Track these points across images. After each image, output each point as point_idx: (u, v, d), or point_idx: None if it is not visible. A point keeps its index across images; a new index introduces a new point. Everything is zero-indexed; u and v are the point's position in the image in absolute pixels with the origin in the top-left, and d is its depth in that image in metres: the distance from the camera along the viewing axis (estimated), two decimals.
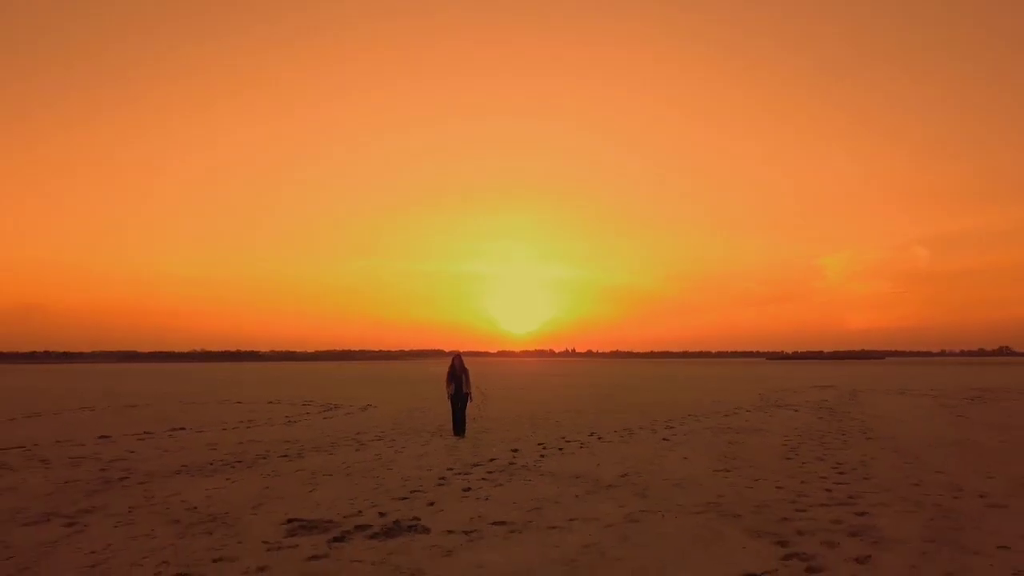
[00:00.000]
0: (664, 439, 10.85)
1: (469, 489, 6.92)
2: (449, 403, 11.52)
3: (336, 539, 5.06)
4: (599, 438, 11.02)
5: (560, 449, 9.79)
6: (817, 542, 4.86)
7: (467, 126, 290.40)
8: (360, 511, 5.95)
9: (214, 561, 4.53)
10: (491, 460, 8.82)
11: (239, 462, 8.84)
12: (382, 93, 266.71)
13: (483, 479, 7.48)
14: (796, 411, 16.22)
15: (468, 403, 11.62)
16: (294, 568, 4.37)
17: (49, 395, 25.35)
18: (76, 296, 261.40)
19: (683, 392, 24.84)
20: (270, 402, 20.58)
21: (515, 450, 9.72)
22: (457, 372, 11.38)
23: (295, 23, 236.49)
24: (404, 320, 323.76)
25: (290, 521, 5.60)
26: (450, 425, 11.62)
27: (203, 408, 18.35)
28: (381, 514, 5.82)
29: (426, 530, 5.30)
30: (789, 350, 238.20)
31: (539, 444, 10.33)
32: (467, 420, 11.70)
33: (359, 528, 5.36)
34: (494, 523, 5.50)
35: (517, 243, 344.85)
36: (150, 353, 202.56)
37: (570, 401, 20.32)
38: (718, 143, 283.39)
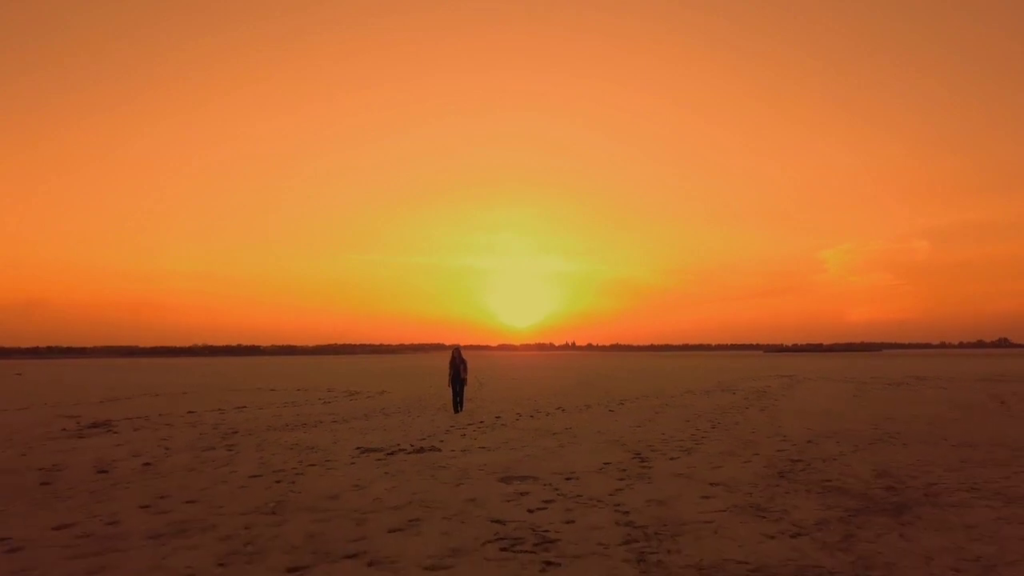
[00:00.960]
0: (610, 410, 14.83)
1: (465, 435, 10.88)
2: (449, 388, 15.33)
3: (388, 454, 9.01)
4: (563, 410, 14.99)
5: (531, 416, 13.77)
6: (658, 453, 8.80)
7: (467, 121, 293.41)
8: (398, 444, 9.90)
9: (326, 461, 8.48)
10: (480, 422, 12.79)
11: (304, 425, 12.79)
12: (382, 89, 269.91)
13: (474, 430, 11.44)
14: (733, 394, 20.15)
15: (464, 386, 15.50)
16: (369, 466, 8.28)
17: (96, 387, 29.36)
18: (77, 291, 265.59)
19: (653, 380, 28.83)
20: (299, 389, 24.56)
21: (498, 416, 13.71)
22: (456, 362, 15.25)
23: (294, 20, 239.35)
24: (404, 315, 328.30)
25: (358, 448, 9.56)
26: (451, 406, 15.48)
27: (246, 394, 22.30)
28: (412, 445, 9.78)
29: (439, 450, 9.25)
30: (789, 343, 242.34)
31: (517, 413, 14.31)
32: (464, 400, 15.58)
33: (400, 450, 9.31)
34: (480, 448, 9.47)
35: (517, 237, 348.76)
36: (151, 348, 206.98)
37: (553, 388, 24.29)
38: (719, 136, 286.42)
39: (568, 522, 5.32)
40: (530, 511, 5.72)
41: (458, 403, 14.97)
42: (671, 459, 8.34)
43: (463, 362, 15.17)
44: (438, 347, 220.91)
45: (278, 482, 7.15)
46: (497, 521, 5.39)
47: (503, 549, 4.62)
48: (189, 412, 15.62)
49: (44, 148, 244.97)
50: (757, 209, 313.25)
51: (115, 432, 11.96)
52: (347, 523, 5.38)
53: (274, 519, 5.52)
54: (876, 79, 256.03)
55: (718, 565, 4.22)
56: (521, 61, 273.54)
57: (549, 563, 4.29)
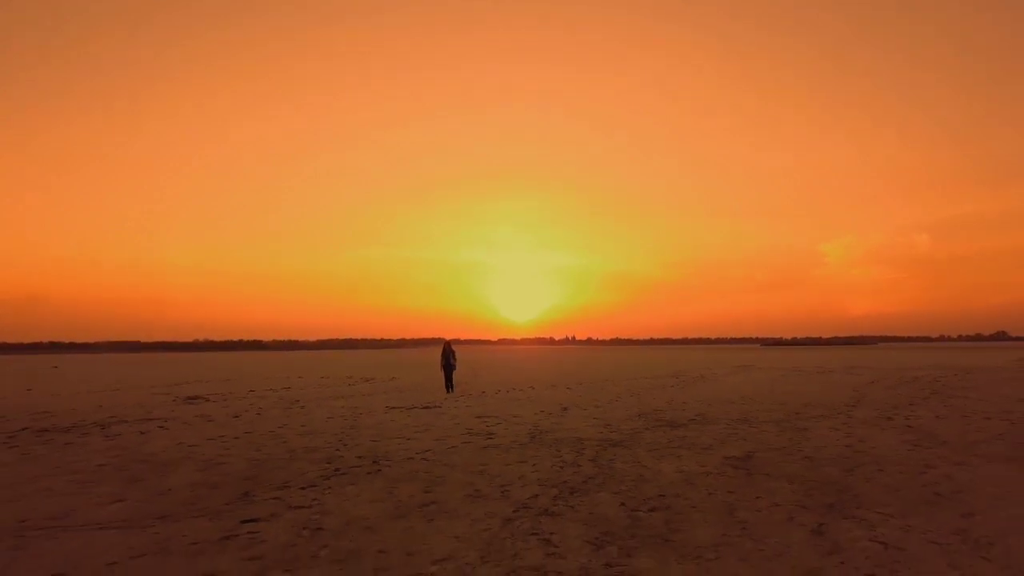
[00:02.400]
0: (568, 388, 20.13)
1: (457, 401, 16.22)
2: (443, 372, 20.46)
3: (408, 409, 14.35)
4: (532, 388, 20.31)
5: (507, 391, 19.10)
6: (570, 409, 14.12)
7: (467, 116, 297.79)
8: (413, 404, 15.24)
9: (369, 412, 13.82)
10: (469, 394, 18.13)
11: (344, 396, 18.10)
12: (382, 85, 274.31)
13: (465, 399, 16.77)
14: (677, 378, 25.42)
15: (453, 371, 20.67)
16: (397, 414, 13.56)
17: (139, 377, 34.75)
18: (78, 287, 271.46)
19: (624, 370, 34.15)
20: (322, 377, 29.88)
21: (483, 392, 19.05)
22: (447, 353, 20.43)
23: (296, 16, 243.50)
24: (405, 309, 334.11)
25: (387, 407, 14.88)
26: (444, 387, 20.77)
27: (280, 381, 27.61)
28: (421, 405, 15.11)
29: (440, 407, 14.60)
30: (789, 336, 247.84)
31: (496, 390, 19.65)
32: (454, 384, 20.81)
33: (415, 407, 14.64)
34: (467, 406, 14.81)
35: (518, 231, 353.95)
36: (154, 343, 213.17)
37: (535, 375, 29.60)
38: (719, 130, 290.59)
39: (506, 430, 10.62)
40: (487, 427, 11.03)
41: (449, 384, 20.15)
42: (582, 410, 13.66)
43: (452, 353, 20.41)
44: (439, 341, 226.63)
45: (344, 419, 12.48)
46: (468, 431, 10.70)
47: (466, 440, 9.92)
48: (250, 391, 20.94)
49: (45, 144, 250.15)
50: (757, 203, 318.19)
51: (210, 402, 17.26)
52: (390, 434, 10.69)
53: (352, 433, 10.82)
54: (876, 72, 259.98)
55: (587, 437, 9.52)
56: (521, 56, 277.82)
57: (488, 446, 9.57)
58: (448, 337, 21.67)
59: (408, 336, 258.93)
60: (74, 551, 4.83)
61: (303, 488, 6.78)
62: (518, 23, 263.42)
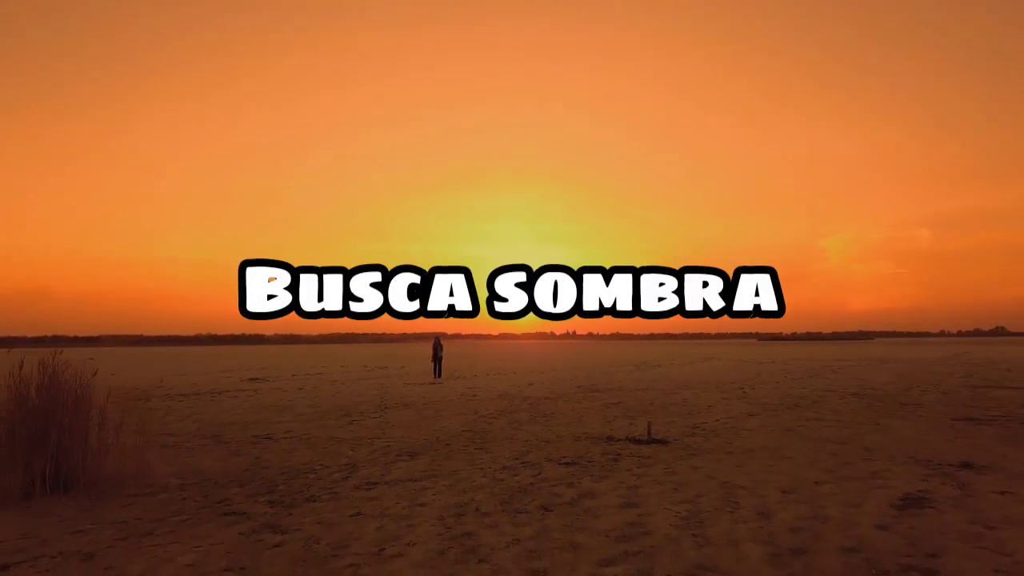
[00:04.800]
0: (542, 372, 26.60)
1: (455, 381, 22.71)
2: (432, 363, 26.84)
3: (420, 384, 20.86)
4: (515, 373, 26.79)
5: (485, 376, 25.59)
6: (537, 384, 20.59)
7: (467, 111, 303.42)
8: (421, 382, 21.77)
9: (392, 387, 20.33)
10: (464, 377, 24.63)
11: (367, 378, 24.57)
12: (383, 81, 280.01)
13: (455, 380, 23.25)
14: (637, 367, 31.87)
15: (441, 361, 27.01)
16: (415, 387, 20.04)
17: (174, 367, 41.33)
18: (82, 281, 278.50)
19: (601, 360, 40.60)
20: (342, 366, 36.39)
21: (475, 375, 25.57)
22: (436, 345, 26.77)
23: (296, 11, 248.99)
24: None
25: (404, 383, 21.39)
26: (433, 373, 27.21)
27: (309, 369, 34.10)
28: (430, 382, 21.63)
29: (443, 383, 21.11)
30: (789, 332, 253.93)
31: (486, 374, 26.15)
32: (442, 370, 27.18)
33: (421, 384, 21.16)
34: (462, 381, 21.32)
35: (517, 226, 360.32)
36: (158, 337, 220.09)
37: (521, 365, 36.09)
38: (718, 124, 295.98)
39: (483, 393, 17.11)
40: (472, 391, 17.51)
41: (438, 371, 26.48)
42: (542, 384, 20.11)
43: (441, 346, 26.80)
44: (440, 335, 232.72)
45: (377, 390, 18.97)
46: (460, 393, 17.22)
47: (459, 395, 16.40)
48: (292, 375, 27.42)
49: (48, 139, 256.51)
50: (757, 197, 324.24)
51: (269, 382, 23.71)
52: (411, 395, 17.21)
53: (386, 395, 17.30)
54: (876, 66, 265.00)
55: (534, 396, 16.02)
56: (521, 51, 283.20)
57: (472, 398, 16.03)
58: (438, 332, 28.30)
59: (410, 331, 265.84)
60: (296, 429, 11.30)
61: (373, 413, 13.24)
62: (519, 18, 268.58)
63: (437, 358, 25.77)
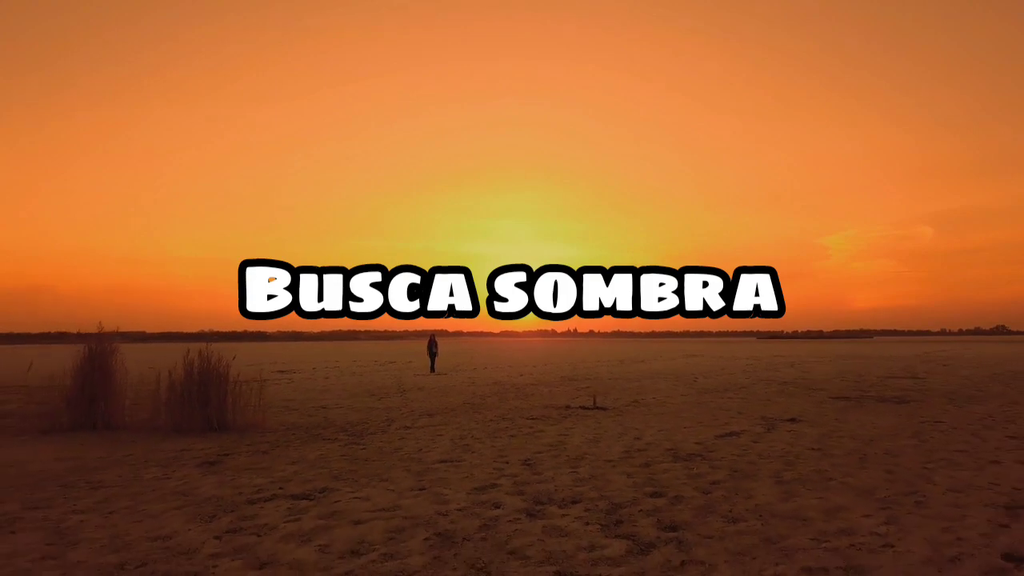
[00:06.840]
0: (534, 366, 30.73)
1: (456, 374, 26.84)
2: (428, 357, 30.87)
3: (428, 374, 25.01)
4: (511, 367, 30.92)
5: (473, 370, 29.72)
6: (527, 375, 24.72)
7: (468, 108, 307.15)
8: (426, 375, 25.92)
9: (405, 378, 24.48)
10: (449, 373, 28.77)
11: (381, 371, 28.70)
12: (384, 78, 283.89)
13: (460, 373, 27.38)
14: (621, 363, 35.94)
15: (436, 357, 31.01)
16: (424, 377, 24.15)
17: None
18: (83, 277, 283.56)
19: (592, 356, 44.71)
20: (354, 361, 40.53)
21: (474, 368, 29.71)
22: (431, 342, 30.74)
23: (295, 7, 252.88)
24: None
25: (415, 374, 25.53)
26: (429, 368, 31.28)
27: (326, 363, 38.21)
28: (437, 373, 25.77)
29: (447, 374, 25.26)
30: (790, 330, 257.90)
31: (484, 367, 30.31)
32: (436, 365, 31.12)
33: (427, 375, 25.29)
34: (462, 374, 25.46)
35: (518, 223, 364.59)
36: (160, 334, 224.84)
37: (518, 360, 40.21)
38: (719, 122, 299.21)
39: (482, 381, 21.23)
40: (473, 381, 21.64)
41: (432, 367, 30.51)
42: (531, 375, 24.21)
43: (435, 343, 30.81)
44: (441, 333, 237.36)
45: (394, 379, 23.10)
46: (462, 382, 21.31)
47: (462, 382, 20.51)
48: (313, 368, 31.54)
49: (48, 134, 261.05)
50: (758, 195, 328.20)
51: (297, 373, 27.80)
52: (423, 382, 21.35)
53: (402, 382, 21.43)
54: (877, 64, 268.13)
55: (521, 383, 20.16)
56: (522, 48, 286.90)
57: (471, 384, 20.14)
58: (434, 330, 32.49)
59: (411, 328, 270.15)
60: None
61: (395, 394, 17.34)
62: (519, 15, 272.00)
63: (432, 354, 29.74)
